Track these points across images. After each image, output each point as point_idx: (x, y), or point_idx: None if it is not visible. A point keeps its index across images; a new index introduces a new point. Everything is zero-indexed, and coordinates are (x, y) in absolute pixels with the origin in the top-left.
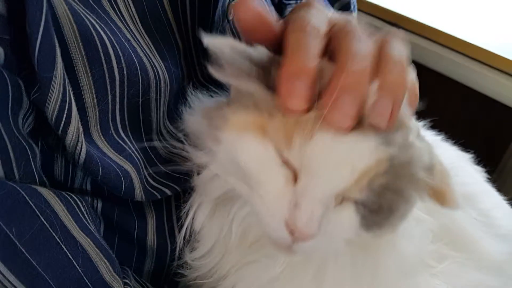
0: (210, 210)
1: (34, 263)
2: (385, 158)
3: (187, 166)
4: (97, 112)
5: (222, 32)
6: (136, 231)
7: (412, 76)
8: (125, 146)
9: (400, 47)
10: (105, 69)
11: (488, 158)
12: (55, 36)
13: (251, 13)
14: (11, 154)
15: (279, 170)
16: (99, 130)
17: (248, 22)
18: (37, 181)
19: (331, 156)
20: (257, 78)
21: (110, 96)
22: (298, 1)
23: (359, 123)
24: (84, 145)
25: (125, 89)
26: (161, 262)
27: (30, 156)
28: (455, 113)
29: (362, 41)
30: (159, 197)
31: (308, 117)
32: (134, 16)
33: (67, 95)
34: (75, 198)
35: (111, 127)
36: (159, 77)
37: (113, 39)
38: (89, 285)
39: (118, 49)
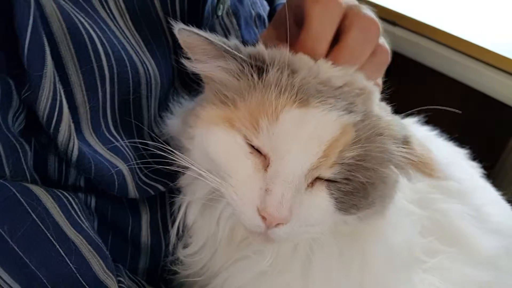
0: (200, 207)
1: (27, 260)
2: (350, 126)
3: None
4: (88, 110)
5: (212, 28)
6: (130, 227)
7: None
8: (116, 143)
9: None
10: (95, 66)
11: (487, 156)
12: (44, 35)
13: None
14: (1, 152)
15: (248, 159)
16: (90, 127)
17: None
18: (28, 179)
19: (297, 132)
20: (226, 64)
21: (100, 94)
22: None
23: (322, 96)
24: (76, 143)
25: (116, 86)
26: (156, 259)
27: (21, 154)
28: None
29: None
30: (152, 193)
31: (271, 99)
32: (124, 13)
33: (58, 93)
34: (67, 195)
35: (103, 124)
36: (149, 73)
37: (102, 37)
38: (82, 282)
39: (108, 47)
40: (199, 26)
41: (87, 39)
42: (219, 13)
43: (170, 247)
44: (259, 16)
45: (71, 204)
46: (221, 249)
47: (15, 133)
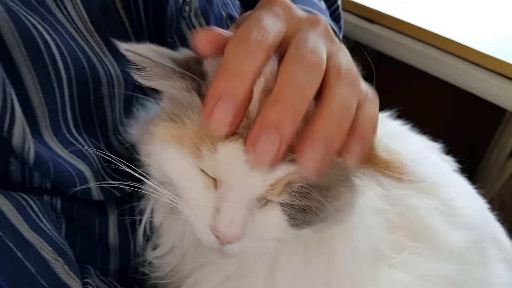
0: (168, 207)
1: None
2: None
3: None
4: (47, 112)
5: (178, 29)
6: (97, 228)
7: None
8: (78, 145)
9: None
10: (51, 69)
11: (470, 155)
12: None
13: (207, 44)
14: None
15: (198, 177)
16: (50, 130)
17: (208, 52)
18: None
19: (240, 165)
20: (177, 79)
21: (58, 96)
22: None
23: None
24: (32, 145)
25: (74, 88)
26: (126, 260)
27: None
28: (438, 111)
29: (307, 69)
30: (118, 195)
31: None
32: (82, 15)
33: (8, 97)
34: (27, 198)
35: (63, 126)
36: (111, 75)
37: (57, 39)
38: (44, 285)
39: (63, 49)
40: (164, 27)
41: (40, 42)
42: (185, 15)
43: (138, 248)
44: (230, 17)
45: (30, 207)
46: (189, 253)
47: None
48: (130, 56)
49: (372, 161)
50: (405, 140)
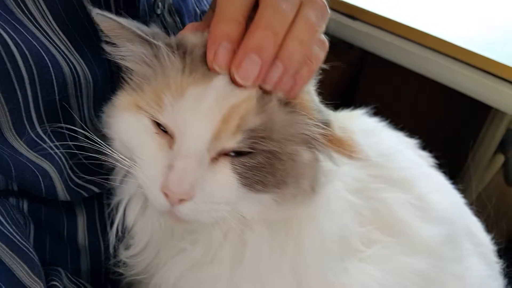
0: (141, 207)
1: None
2: (253, 94)
3: (109, 163)
4: (8, 113)
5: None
6: (66, 229)
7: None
8: (44, 145)
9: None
10: (9, 68)
11: (455, 154)
12: None
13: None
14: None
15: (152, 139)
16: (13, 130)
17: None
18: None
19: (198, 105)
20: (136, 48)
21: (20, 96)
22: None
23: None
24: None
25: (38, 87)
26: (97, 261)
27: None
28: (422, 110)
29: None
30: (85, 195)
31: (177, 79)
32: (45, 13)
33: None
34: None
35: (27, 126)
36: (77, 73)
37: (16, 38)
38: None
39: (24, 48)
40: None
41: None
42: (158, 12)
43: (111, 249)
44: (204, 13)
45: None
46: (164, 247)
47: None
48: (101, 20)
49: (328, 137)
50: (380, 136)
